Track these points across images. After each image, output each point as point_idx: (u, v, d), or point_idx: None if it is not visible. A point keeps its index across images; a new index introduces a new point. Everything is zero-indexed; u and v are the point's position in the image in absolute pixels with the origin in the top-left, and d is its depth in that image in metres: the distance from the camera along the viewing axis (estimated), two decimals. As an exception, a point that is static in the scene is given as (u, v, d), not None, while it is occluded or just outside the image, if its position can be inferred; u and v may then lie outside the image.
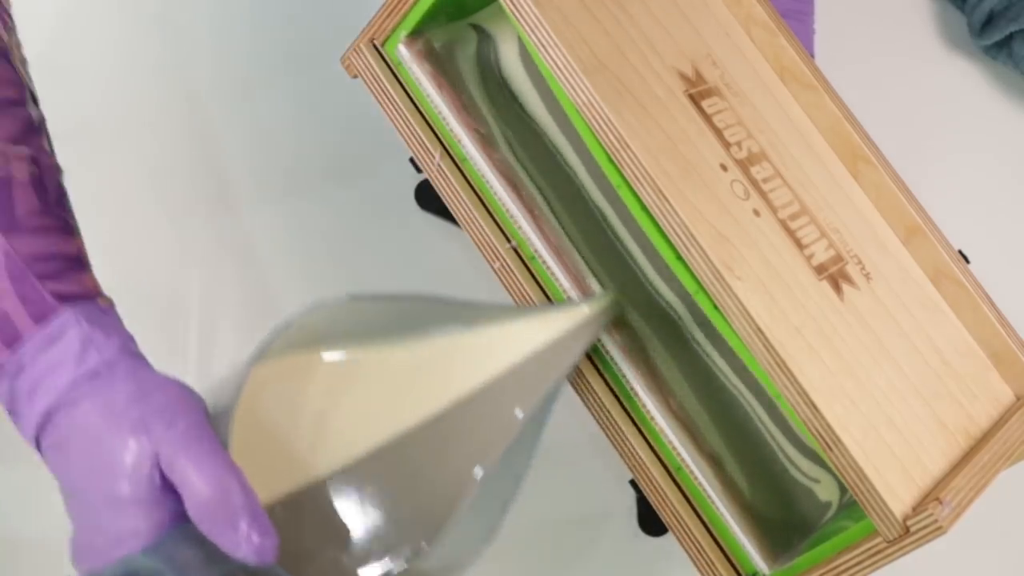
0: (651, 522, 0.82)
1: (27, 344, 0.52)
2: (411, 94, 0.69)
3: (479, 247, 0.69)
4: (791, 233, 0.64)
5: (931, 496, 0.58)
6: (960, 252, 0.70)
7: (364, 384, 0.55)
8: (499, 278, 0.69)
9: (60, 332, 0.52)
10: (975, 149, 0.86)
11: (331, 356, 0.55)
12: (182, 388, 0.53)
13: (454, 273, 0.86)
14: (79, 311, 0.52)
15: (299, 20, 0.93)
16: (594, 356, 0.68)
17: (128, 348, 0.53)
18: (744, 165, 0.65)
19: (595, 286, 0.67)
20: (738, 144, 0.65)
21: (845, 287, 0.65)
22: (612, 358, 0.67)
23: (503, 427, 0.56)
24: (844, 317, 0.63)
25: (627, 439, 0.67)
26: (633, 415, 0.67)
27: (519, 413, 0.57)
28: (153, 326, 0.85)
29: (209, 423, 0.51)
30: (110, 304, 0.55)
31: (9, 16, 0.59)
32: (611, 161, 0.60)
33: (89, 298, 0.54)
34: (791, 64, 0.71)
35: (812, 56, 0.80)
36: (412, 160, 0.72)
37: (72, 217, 0.57)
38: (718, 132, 0.65)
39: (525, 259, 0.68)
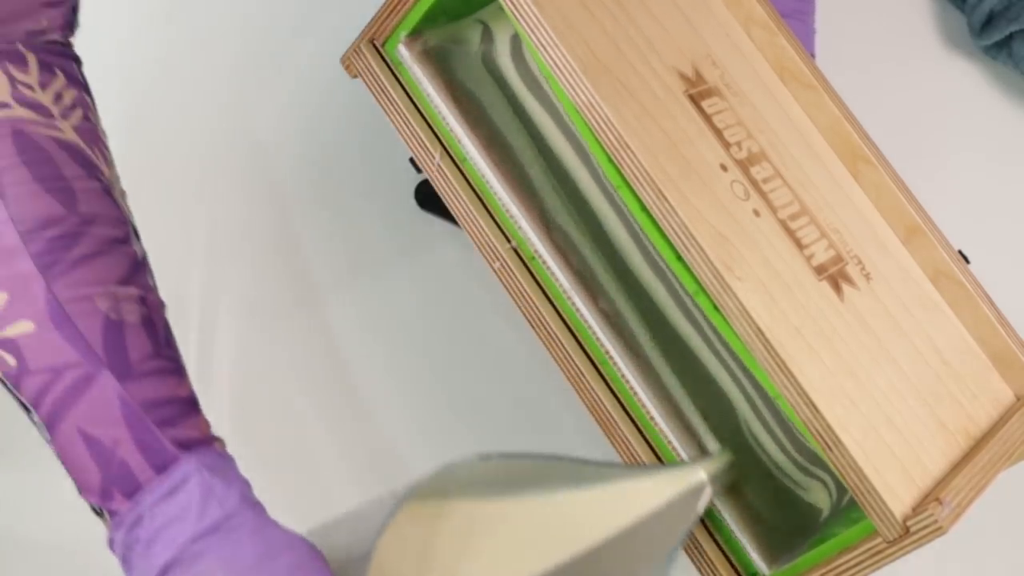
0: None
1: (147, 494, 0.50)
2: (411, 94, 0.69)
3: (479, 247, 0.69)
4: (791, 233, 0.64)
5: (931, 496, 0.58)
6: (960, 252, 0.70)
7: (493, 535, 0.56)
8: (499, 278, 0.69)
9: (181, 482, 0.51)
10: (975, 149, 0.86)
11: (461, 508, 0.56)
12: (306, 545, 0.52)
13: (454, 273, 0.86)
14: (200, 460, 0.51)
15: (299, 19, 0.93)
16: (593, 355, 0.68)
17: (248, 498, 0.52)
18: (744, 165, 0.65)
19: (603, 282, 0.68)
20: (738, 144, 0.65)
21: (845, 287, 0.65)
22: (613, 358, 0.67)
23: None
24: (844, 317, 0.63)
25: (627, 440, 0.67)
26: (633, 415, 0.67)
27: (634, 571, 0.58)
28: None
29: None
30: (223, 446, 0.54)
31: (108, 149, 0.58)
32: (611, 161, 0.60)
33: (206, 443, 0.53)
34: (791, 64, 0.71)
35: (813, 56, 0.80)
36: (412, 160, 0.72)
37: (179, 354, 0.56)
38: (718, 132, 0.65)
39: (525, 259, 0.68)
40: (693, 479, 0.62)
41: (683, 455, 0.66)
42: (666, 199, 0.59)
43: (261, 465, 0.81)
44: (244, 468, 0.79)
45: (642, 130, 0.61)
